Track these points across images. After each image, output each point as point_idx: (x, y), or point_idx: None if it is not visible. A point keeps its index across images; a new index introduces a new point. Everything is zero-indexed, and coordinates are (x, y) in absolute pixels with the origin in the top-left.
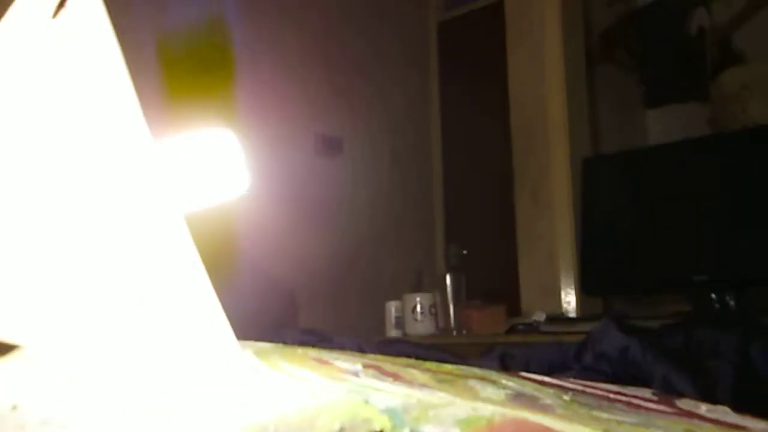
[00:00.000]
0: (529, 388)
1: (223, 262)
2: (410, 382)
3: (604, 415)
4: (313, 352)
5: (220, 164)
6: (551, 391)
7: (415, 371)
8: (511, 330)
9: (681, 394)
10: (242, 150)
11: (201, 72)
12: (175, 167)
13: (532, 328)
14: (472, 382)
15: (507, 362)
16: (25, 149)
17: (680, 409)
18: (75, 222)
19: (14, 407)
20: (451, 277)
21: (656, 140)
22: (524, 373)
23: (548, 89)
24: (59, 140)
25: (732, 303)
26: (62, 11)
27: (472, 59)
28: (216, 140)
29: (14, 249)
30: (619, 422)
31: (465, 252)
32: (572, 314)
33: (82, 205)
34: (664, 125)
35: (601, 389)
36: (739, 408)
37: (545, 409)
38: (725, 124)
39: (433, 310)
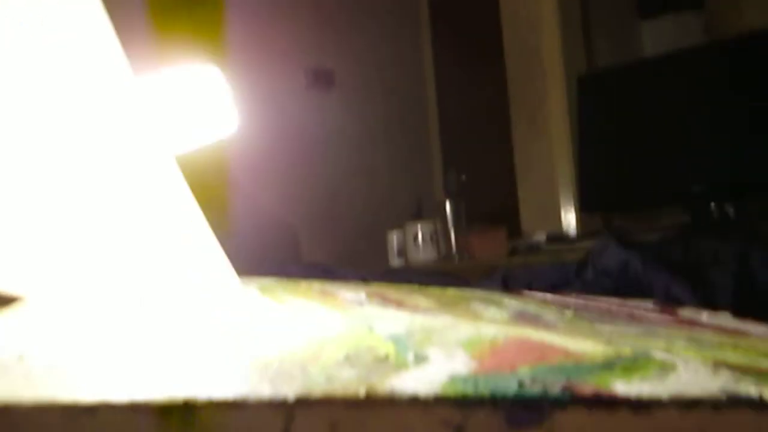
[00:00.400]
0: (531, 307)
1: (219, 201)
2: (414, 308)
3: (607, 328)
4: (316, 285)
5: (207, 102)
6: (553, 307)
7: (419, 297)
8: (513, 252)
9: (682, 304)
10: (230, 87)
11: (188, 6)
12: (163, 106)
13: (533, 248)
14: (475, 304)
15: (509, 283)
16: (12, 94)
17: (681, 318)
18: (67, 167)
19: (20, 357)
20: (450, 203)
21: (652, 52)
22: (526, 292)
23: (541, 7)
24: (45, 82)
25: (731, 212)
26: None
27: None
28: (202, 78)
29: (12, 201)
30: (621, 334)
31: (464, 177)
32: (572, 233)
33: (74, 149)
34: (659, 36)
35: (602, 303)
36: (739, 314)
37: (548, 325)
38: (721, 32)
39: (434, 237)
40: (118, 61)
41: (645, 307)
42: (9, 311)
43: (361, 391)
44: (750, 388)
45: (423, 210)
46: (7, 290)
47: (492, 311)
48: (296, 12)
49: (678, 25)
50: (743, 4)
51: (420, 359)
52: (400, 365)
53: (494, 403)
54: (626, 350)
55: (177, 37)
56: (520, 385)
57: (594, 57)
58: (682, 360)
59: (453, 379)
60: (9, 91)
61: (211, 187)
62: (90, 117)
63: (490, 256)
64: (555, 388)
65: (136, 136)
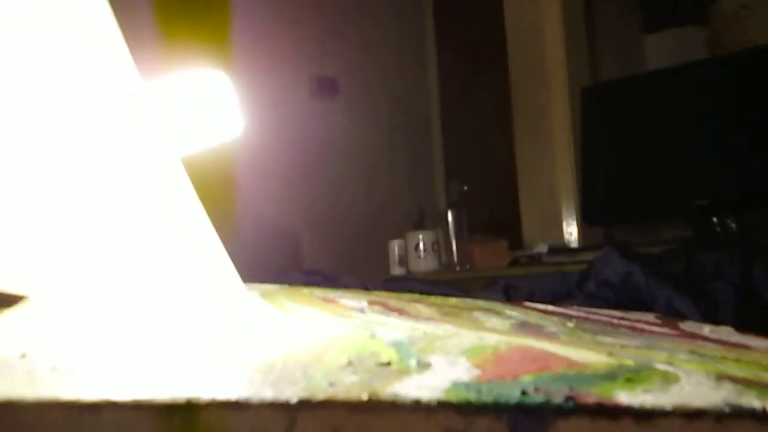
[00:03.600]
0: (533, 317)
1: (223, 207)
2: (416, 316)
3: (609, 340)
4: (319, 292)
5: (213, 106)
6: (555, 319)
7: (420, 305)
8: (514, 262)
9: (684, 317)
10: (235, 92)
11: (195, 13)
12: (169, 109)
13: (535, 259)
14: (477, 314)
15: (511, 294)
16: (19, 95)
17: (684, 331)
18: (73, 169)
19: (23, 355)
20: (452, 213)
21: (655, 65)
22: (528, 303)
23: (545, 19)
24: (51, 85)
25: (733, 226)
26: None
27: None
28: (209, 82)
29: (17, 201)
30: (623, 346)
31: (465, 188)
32: (574, 244)
33: (80, 151)
34: (663, 50)
35: (604, 315)
36: (741, 328)
37: (550, 336)
38: (724, 47)
39: (435, 247)
40: (125, 65)
41: (647, 319)
42: (13, 309)
43: (364, 396)
44: (753, 401)
45: (425, 219)
46: (11, 289)
47: (494, 321)
48: (301, 20)
49: (681, 39)
50: (746, 20)
51: (422, 366)
52: (403, 371)
53: (497, 410)
54: (629, 361)
55: (184, 43)
56: (523, 392)
57: (598, 69)
58: (685, 372)
59: (455, 386)
60: (15, 93)
61: (216, 192)
62: (97, 119)
63: (491, 267)
64: (558, 396)
65: (142, 138)
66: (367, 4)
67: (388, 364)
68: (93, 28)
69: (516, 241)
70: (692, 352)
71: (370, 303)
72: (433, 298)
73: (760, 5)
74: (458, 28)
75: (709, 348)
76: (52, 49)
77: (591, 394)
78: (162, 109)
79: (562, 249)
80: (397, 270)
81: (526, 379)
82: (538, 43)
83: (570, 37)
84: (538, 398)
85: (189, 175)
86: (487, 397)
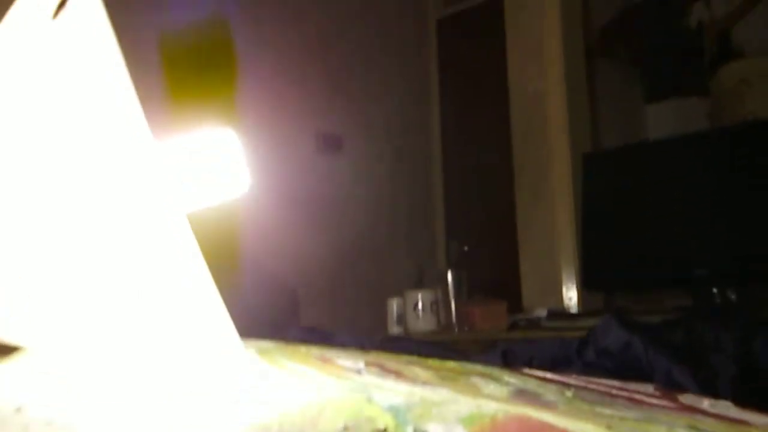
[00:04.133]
0: (531, 385)
1: (225, 260)
2: (413, 380)
3: (607, 411)
4: (315, 350)
5: (221, 163)
6: (554, 387)
7: (418, 368)
8: (513, 326)
9: (683, 389)
10: (243, 149)
11: (202, 71)
12: (177, 167)
13: (534, 323)
14: (475, 379)
15: (509, 358)
16: (25, 150)
17: (682, 404)
18: (76, 222)
19: (18, 409)
20: (452, 273)
21: (656, 135)
22: (527, 370)
23: (548, 85)
24: (59, 140)
25: (733, 297)
26: (62, 11)
27: (471, 55)
28: (217, 140)
29: (15, 250)
30: (621, 418)
31: (466, 248)
32: (574, 310)
33: (83, 206)
34: (664, 120)
35: (603, 385)
36: (741, 403)
37: (548, 405)
38: (725, 119)
39: (434, 307)
40: (137, 122)
41: (645, 391)
42: (8, 361)
43: None
44: None
45: (424, 279)
46: (7, 340)
47: (492, 387)
48: (306, 77)
49: (682, 110)
50: (746, 94)
51: None
52: None
53: None
54: None
55: (191, 101)
56: None
57: (599, 137)
58: None
59: None
60: (20, 147)
61: (219, 246)
62: (102, 173)
63: (490, 329)
64: None
65: (147, 193)
66: (372, 60)
67: (385, 430)
68: (106, 83)
69: (515, 304)
70: (691, 427)
71: (367, 364)
72: (430, 361)
73: (759, 80)
74: (462, 89)
75: (708, 423)
76: (63, 103)
77: None
78: (169, 165)
79: (562, 314)
80: (395, 329)
81: None
82: (540, 108)
83: (572, 104)
84: None
85: (193, 228)
86: None
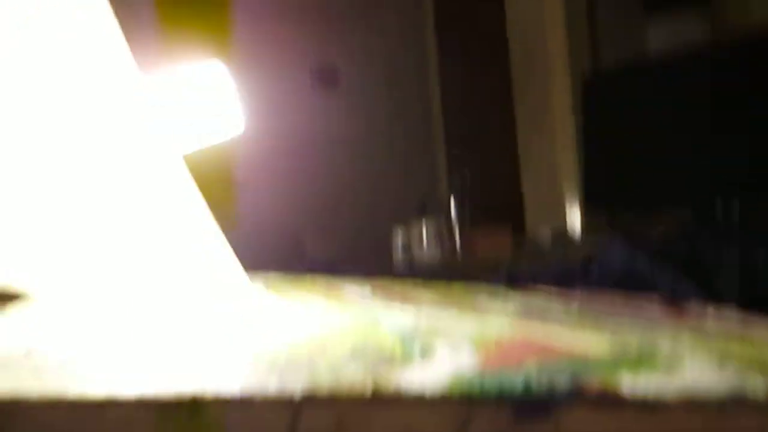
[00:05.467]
0: (536, 302)
1: (225, 199)
2: (418, 302)
3: (612, 324)
4: (321, 280)
5: (214, 100)
6: (558, 304)
7: (423, 291)
8: (517, 250)
9: (687, 302)
10: (237, 87)
11: (195, 6)
12: (171, 103)
13: (538, 246)
14: (481, 299)
15: (514, 280)
16: (19, 93)
17: (687, 313)
18: (75, 168)
19: (28, 352)
20: (455, 201)
21: (656, 47)
22: (531, 289)
23: (546, 3)
24: (52, 80)
25: (736, 212)
26: None
27: None
28: (209, 75)
29: (20, 201)
30: (627, 329)
31: (468, 176)
32: (577, 230)
33: (81, 149)
34: (665, 32)
35: (608, 300)
36: (744, 311)
37: (554, 319)
38: (727, 29)
39: (438, 235)
40: (125, 60)
41: (650, 304)
42: (17, 307)
43: (368, 389)
44: (756, 382)
45: (427, 207)
46: (16, 287)
47: (497, 306)
48: (302, 11)
49: (684, 20)
50: (750, 2)
51: (426, 354)
52: (406, 360)
53: (500, 400)
54: (632, 343)
55: (184, 36)
56: (527, 382)
57: (599, 53)
58: (689, 353)
59: (459, 376)
60: (15, 90)
61: (218, 185)
62: (97, 115)
63: (494, 255)
64: (561, 385)
65: (143, 133)
66: None
67: (392, 352)
68: (92, 24)
69: (519, 228)
70: (696, 331)
71: (373, 289)
72: (436, 284)
73: None
74: (459, 18)
75: (712, 329)
76: (51, 47)
77: (594, 382)
78: (163, 103)
79: (565, 236)
80: (400, 259)
81: (530, 368)
82: (539, 29)
83: (571, 21)
84: (541, 387)
85: (191, 169)
86: (491, 388)
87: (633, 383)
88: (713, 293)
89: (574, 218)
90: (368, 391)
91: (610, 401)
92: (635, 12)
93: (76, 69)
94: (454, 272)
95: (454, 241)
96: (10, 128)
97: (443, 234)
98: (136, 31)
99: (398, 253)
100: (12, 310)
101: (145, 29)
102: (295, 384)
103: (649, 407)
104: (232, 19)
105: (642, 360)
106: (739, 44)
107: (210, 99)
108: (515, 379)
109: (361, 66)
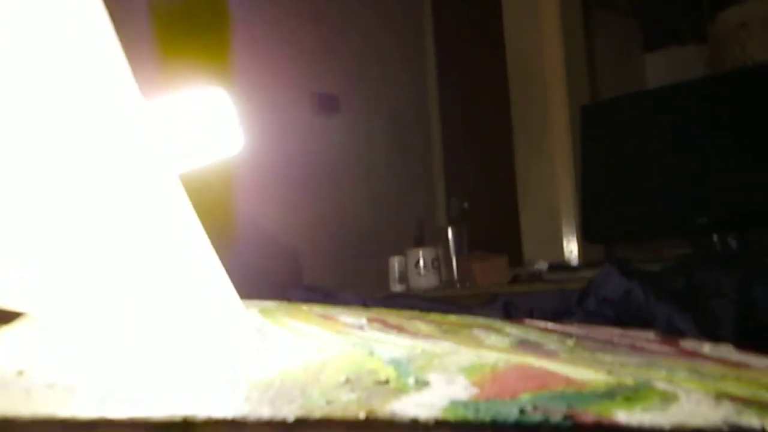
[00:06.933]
0: (532, 335)
1: (223, 223)
2: (414, 333)
3: (608, 358)
4: (317, 309)
5: (213, 124)
6: (555, 336)
7: (419, 323)
8: (514, 280)
9: (684, 335)
10: (236, 109)
11: (195, 31)
12: (169, 127)
13: (535, 276)
14: (476, 331)
15: (510, 311)
16: (18, 110)
17: (683, 349)
18: (71, 187)
19: (20, 372)
20: (452, 229)
21: (655, 84)
22: (528, 321)
23: (545, 36)
24: (51, 101)
25: (733, 244)
26: None
27: (467, 9)
28: (209, 100)
29: (13, 217)
30: (622, 364)
31: (466, 204)
32: (574, 262)
33: (78, 170)
34: (663, 68)
35: (604, 333)
36: (741, 346)
37: (549, 354)
38: (724, 65)
39: (435, 264)
40: (126, 82)
41: (646, 337)
42: (10, 326)
43: (361, 414)
44: (752, 420)
45: (425, 236)
46: (8, 305)
47: (493, 338)
48: (302, 38)
49: (681, 58)
50: (745, 39)
51: (420, 384)
52: (401, 389)
53: (495, 428)
54: (628, 380)
55: (184, 62)
56: (521, 411)
57: (598, 87)
58: (684, 390)
59: (453, 404)
60: (14, 109)
61: (216, 208)
62: (96, 135)
63: (491, 284)
64: (556, 415)
65: (140, 155)
66: (366, 19)
67: (386, 382)
68: (95, 46)
69: (516, 258)
70: (692, 371)
71: (369, 320)
72: (432, 315)
73: (759, 24)
74: (458, 47)
75: (709, 366)
76: (52, 66)
77: (589, 413)
78: (161, 127)
79: (563, 266)
80: (397, 287)
81: (525, 398)
82: (537, 61)
83: (570, 55)
84: (536, 417)
85: (188, 191)
86: (485, 416)
87: (628, 415)
88: (710, 325)
89: (571, 249)
90: (362, 417)
91: (606, 431)
92: (633, 49)
93: (75, 88)
94: (450, 302)
95: (452, 270)
96: (3, 145)
97: (440, 263)
98: (135, 57)
99: (395, 282)
100: (3, 329)
101: (143, 56)
102: (288, 409)
103: None
104: (233, 46)
105: (638, 393)
106: (736, 75)
107: (209, 119)
108: (510, 408)
109: (361, 93)
